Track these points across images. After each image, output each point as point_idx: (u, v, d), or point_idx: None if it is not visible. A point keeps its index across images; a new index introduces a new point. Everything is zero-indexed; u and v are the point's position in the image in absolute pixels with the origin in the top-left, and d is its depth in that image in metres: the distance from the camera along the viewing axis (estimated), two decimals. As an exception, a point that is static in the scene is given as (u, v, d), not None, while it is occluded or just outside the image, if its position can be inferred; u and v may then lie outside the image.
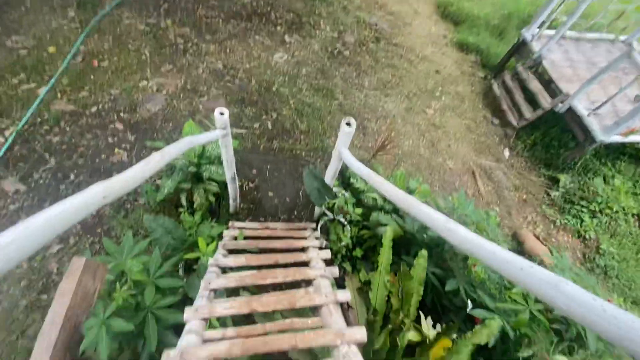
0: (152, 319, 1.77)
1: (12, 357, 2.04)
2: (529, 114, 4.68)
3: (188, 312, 1.31)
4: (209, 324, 1.62)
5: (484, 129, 4.85)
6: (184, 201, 2.57)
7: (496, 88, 5.18)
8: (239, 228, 2.54)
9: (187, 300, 2.02)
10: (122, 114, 3.22)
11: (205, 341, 1.25)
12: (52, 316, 0.76)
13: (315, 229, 2.59)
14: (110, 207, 2.68)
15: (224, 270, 1.87)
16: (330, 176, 2.13)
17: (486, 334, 1.90)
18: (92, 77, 3.40)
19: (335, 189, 2.47)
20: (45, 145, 2.85)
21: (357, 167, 1.58)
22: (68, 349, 0.78)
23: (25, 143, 2.82)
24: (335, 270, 1.69)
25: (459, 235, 0.92)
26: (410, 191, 2.91)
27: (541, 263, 3.37)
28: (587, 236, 3.91)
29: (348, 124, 1.69)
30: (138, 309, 1.80)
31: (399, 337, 1.89)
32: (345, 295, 1.46)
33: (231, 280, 1.61)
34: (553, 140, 4.79)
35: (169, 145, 1.14)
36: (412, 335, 2.09)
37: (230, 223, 2.54)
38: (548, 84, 4.81)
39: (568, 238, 3.88)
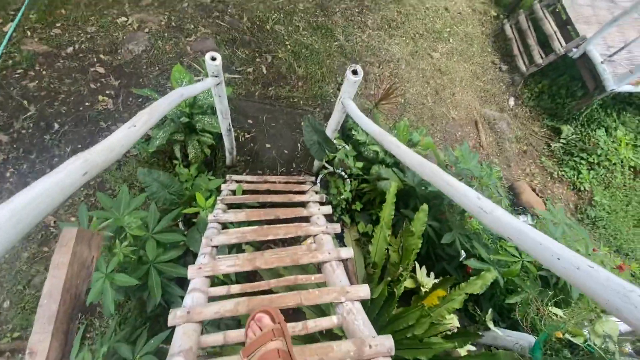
0: (155, 272, 1.80)
1: (20, 306, 2.10)
2: (540, 59, 4.41)
3: (192, 270, 1.31)
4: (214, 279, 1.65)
5: (491, 75, 4.60)
6: (177, 153, 2.47)
7: (508, 29, 4.80)
8: (237, 181, 2.48)
9: (189, 254, 2.05)
10: (102, 56, 2.93)
11: (211, 298, 1.27)
12: (49, 289, 0.71)
13: (314, 183, 2.55)
14: (101, 158, 2.57)
15: (225, 225, 1.85)
16: (331, 129, 2.02)
17: (480, 284, 1.97)
18: (63, 11, 3.02)
19: (335, 142, 2.37)
20: (22, 92, 2.62)
21: (367, 124, 1.47)
22: (71, 319, 0.75)
23: (0, 89, 2.59)
24: (337, 227, 1.68)
25: (495, 216, 0.84)
26: (413, 144, 2.83)
27: (534, 215, 3.45)
28: (582, 188, 3.96)
29: (354, 72, 1.53)
30: (141, 263, 1.82)
31: (397, 287, 1.97)
32: (347, 252, 1.46)
33: (232, 236, 1.60)
34: (561, 89, 4.59)
35: (158, 101, 1.01)
36: (407, 283, 2.19)
37: (227, 176, 2.48)
38: (564, 25, 4.45)
39: (563, 190, 3.94)
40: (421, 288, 2.29)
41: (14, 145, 2.46)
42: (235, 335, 1.07)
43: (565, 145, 4.26)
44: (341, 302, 1.19)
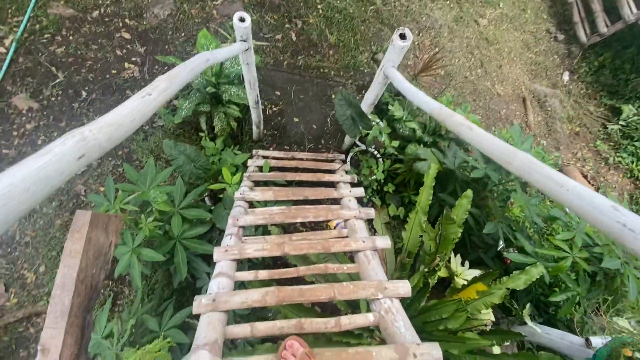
0: (180, 248, 1.76)
1: (55, 271, 2.17)
2: (604, 28, 3.85)
3: (217, 253, 1.23)
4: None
5: (545, 46, 4.10)
6: (203, 125, 2.37)
7: (570, -8, 4.20)
8: (264, 157, 2.37)
9: (215, 230, 1.99)
10: (127, 21, 2.82)
11: (237, 282, 1.19)
12: (63, 280, 0.64)
13: (344, 162, 2.40)
14: (128, 128, 2.53)
15: (251, 204, 1.76)
16: (368, 103, 1.83)
17: (524, 280, 1.80)
18: (87, -28, 2.89)
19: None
20: (50, 58, 2.58)
21: (421, 98, 1.25)
22: (88, 311, 0.66)
23: (29, 55, 2.56)
24: (371, 212, 1.54)
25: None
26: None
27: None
28: (640, 176, 3.55)
29: (402, 36, 1.32)
30: (167, 237, 1.78)
31: (431, 278, 1.83)
32: (384, 241, 1.33)
33: (259, 216, 1.50)
34: (625, 63, 4.04)
35: (178, 66, 0.88)
36: (440, 272, 2.04)
37: (254, 151, 2.37)
38: (641, -14, 3.81)
39: (618, 178, 3.55)
40: (455, 277, 2.14)
41: (44, 113, 2.46)
42: (263, 327, 0.98)
43: (625, 127, 3.79)
44: (378, 299, 1.07)
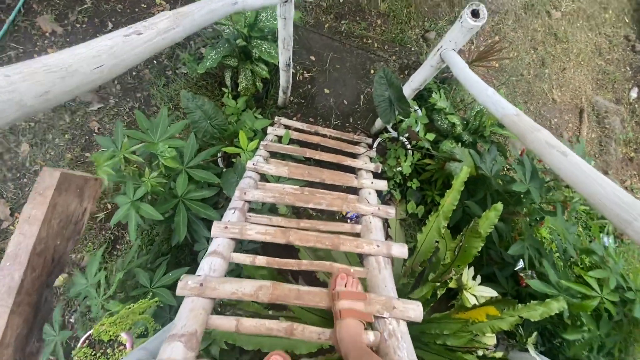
0: (183, 209, 1.66)
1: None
2: (698, 43, 3.32)
3: (216, 228, 1.11)
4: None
5: (618, 54, 3.61)
6: (228, 81, 2.20)
7: (667, -6, 3.61)
8: (286, 126, 2.20)
9: (222, 195, 1.88)
10: (165, -49, 2.58)
11: (232, 264, 1.08)
12: (15, 251, 0.52)
13: (370, 147, 2.20)
14: (150, 71, 2.39)
15: (263, 177, 1.63)
16: (412, 87, 1.60)
17: (541, 312, 1.63)
18: None
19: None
20: (76, -20, 2.41)
21: (491, 97, 1.01)
22: (46, 286, 0.55)
23: (59, -27, 2.39)
24: (391, 212, 1.38)
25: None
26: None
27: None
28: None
29: (475, 13, 1.07)
30: (171, 195, 1.69)
31: (440, 289, 1.69)
32: (400, 250, 1.17)
33: (269, 194, 1.36)
34: None
35: (193, 4, 0.69)
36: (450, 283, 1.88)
37: (276, 118, 2.20)
38: None
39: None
40: (464, 290, 2.00)
41: (67, 39, 2.33)
42: (249, 325, 0.87)
43: (689, 162, 3.36)
44: (384, 317, 0.94)
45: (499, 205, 1.78)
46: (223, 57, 2.02)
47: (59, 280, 2.19)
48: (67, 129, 2.24)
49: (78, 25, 2.36)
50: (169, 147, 1.54)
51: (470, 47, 3.02)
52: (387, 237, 2.29)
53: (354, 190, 1.66)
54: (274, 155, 1.85)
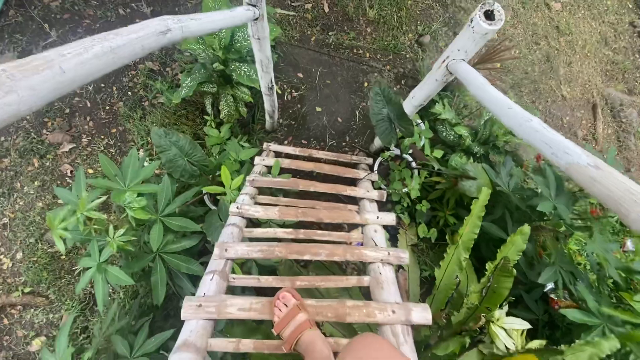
0: (160, 265, 1.43)
1: (32, 260, 1.93)
2: None
3: (187, 308, 0.89)
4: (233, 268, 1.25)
5: (625, 42, 3.39)
6: (209, 108, 2.00)
7: (671, -25, 3.41)
8: (276, 153, 1.98)
9: (209, 242, 1.65)
10: (133, -25, 2.41)
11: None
12: None
13: (372, 168, 1.98)
14: (125, 103, 2.19)
15: (250, 221, 1.40)
16: (415, 104, 1.38)
17: (589, 354, 1.39)
18: None
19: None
20: (44, 12, 2.23)
21: (545, 134, 0.74)
22: None
23: (20, 7, 2.22)
24: (404, 256, 1.15)
25: None
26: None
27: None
28: None
29: (489, 14, 0.86)
30: (145, 249, 1.47)
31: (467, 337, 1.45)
32: (422, 315, 0.94)
33: (256, 247, 1.13)
34: None
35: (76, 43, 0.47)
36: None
37: (264, 145, 1.99)
38: None
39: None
40: (491, 323, 1.74)
41: (32, 77, 2.14)
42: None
43: None
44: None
45: (526, 229, 1.55)
46: (199, 84, 1.82)
47: (36, 344, 1.96)
48: (36, 175, 2.03)
49: (43, 61, 2.18)
50: (138, 197, 1.32)
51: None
52: (399, 268, 2.06)
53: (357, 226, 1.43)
54: (263, 190, 1.62)
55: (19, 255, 1.95)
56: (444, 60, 1.06)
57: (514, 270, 1.30)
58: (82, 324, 1.93)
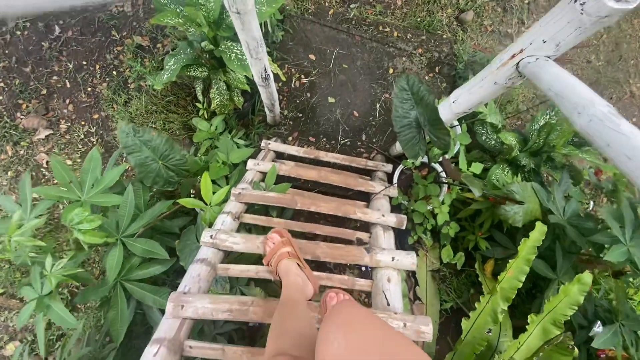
0: (121, 296, 1.18)
1: (4, 260, 1.74)
2: None
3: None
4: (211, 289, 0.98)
5: None
6: (200, 95, 1.67)
7: None
8: (276, 154, 1.66)
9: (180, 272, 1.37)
10: None
11: None
12: None
13: (390, 178, 1.62)
14: (108, 85, 1.90)
15: (228, 254, 1.10)
16: (456, 110, 1.00)
17: None
18: None
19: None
20: (20, -27, 1.93)
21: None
22: None
23: None
24: (426, 331, 0.82)
25: None
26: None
27: None
28: None
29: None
30: (104, 277, 1.21)
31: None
32: None
33: (222, 308, 0.84)
34: None
35: None
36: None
37: (263, 142, 1.66)
38: None
39: None
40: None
41: (6, 52, 1.88)
42: None
43: None
44: None
45: (587, 277, 1.20)
46: (185, 67, 1.48)
47: (10, 349, 1.82)
48: (9, 165, 1.81)
49: (19, 33, 1.90)
50: (90, 216, 1.04)
51: (521, 29, 2.31)
52: (415, 298, 1.74)
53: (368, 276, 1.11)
54: (251, 207, 1.32)
55: (-9, 253, 1.77)
56: (513, 55, 0.68)
57: (576, 351, 0.96)
58: (59, 331, 1.75)
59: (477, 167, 1.44)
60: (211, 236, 1.03)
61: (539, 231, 1.19)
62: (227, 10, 1.36)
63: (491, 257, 1.68)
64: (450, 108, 1.04)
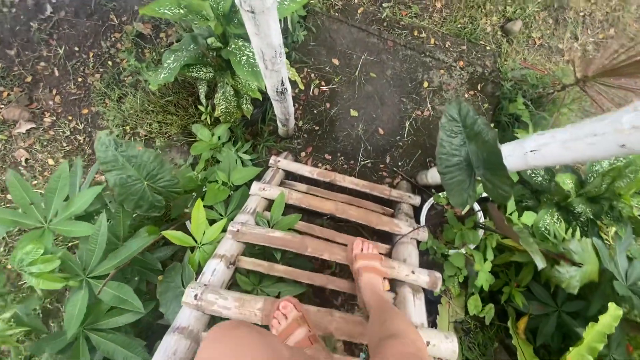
0: (83, 349, 0.96)
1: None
2: None
3: None
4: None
5: None
6: (203, 98, 1.44)
7: None
8: (286, 173, 1.42)
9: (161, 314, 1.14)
10: None
11: None
12: None
13: (417, 212, 1.37)
14: (101, 77, 1.67)
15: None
16: (532, 162, 0.75)
17: None
18: None
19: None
20: (11, -59, 1.69)
21: None
22: None
23: None
24: None
25: None
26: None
27: None
28: None
29: None
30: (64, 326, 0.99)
31: None
32: None
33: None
34: None
35: None
36: None
37: (272, 159, 1.42)
38: None
39: None
40: None
41: (-12, 29, 1.66)
42: None
43: None
44: None
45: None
46: (186, 67, 1.24)
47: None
48: (-17, 160, 1.60)
49: (5, 10, 1.67)
50: (44, 257, 0.81)
51: (573, 46, 2.02)
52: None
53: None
54: (251, 247, 1.08)
55: (-43, 257, 1.57)
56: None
57: None
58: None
59: (529, 218, 1.19)
60: (196, 296, 0.80)
61: (612, 316, 0.94)
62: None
63: (526, 313, 1.44)
64: (524, 158, 0.78)
